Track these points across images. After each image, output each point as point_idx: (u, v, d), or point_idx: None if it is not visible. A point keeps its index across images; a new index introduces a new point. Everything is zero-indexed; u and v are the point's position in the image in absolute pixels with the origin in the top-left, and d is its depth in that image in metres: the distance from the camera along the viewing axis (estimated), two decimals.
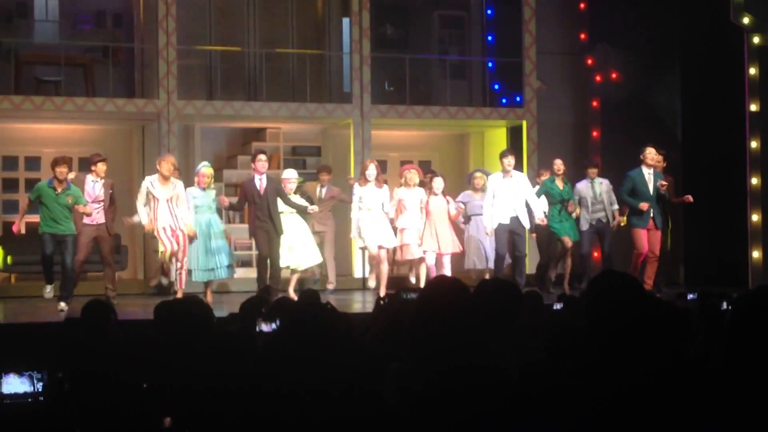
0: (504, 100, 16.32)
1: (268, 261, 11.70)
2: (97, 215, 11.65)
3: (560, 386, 3.07)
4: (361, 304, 11.82)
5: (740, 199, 13.91)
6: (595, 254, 13.82)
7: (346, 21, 15.99)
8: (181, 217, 11.25)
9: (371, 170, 12.12)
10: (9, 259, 13.87)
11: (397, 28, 17.05)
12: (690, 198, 12.58)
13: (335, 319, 3.77)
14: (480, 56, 16.85)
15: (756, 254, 13.74)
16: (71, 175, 11.50)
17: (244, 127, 16.09)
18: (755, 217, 13.80)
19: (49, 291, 11.17)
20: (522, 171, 14.03)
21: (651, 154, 12.23)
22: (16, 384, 4.30)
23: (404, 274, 13.37)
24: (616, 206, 13.00)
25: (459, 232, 13.11)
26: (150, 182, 11.28)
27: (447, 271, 12.16)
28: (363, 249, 12.72)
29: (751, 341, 3.24)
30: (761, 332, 3.26)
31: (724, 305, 6.15)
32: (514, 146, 15.66)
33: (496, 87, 16.60)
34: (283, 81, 16.10)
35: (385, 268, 12.14)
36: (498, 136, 16.31)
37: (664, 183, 12.32)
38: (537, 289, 9.81)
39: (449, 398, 3.26)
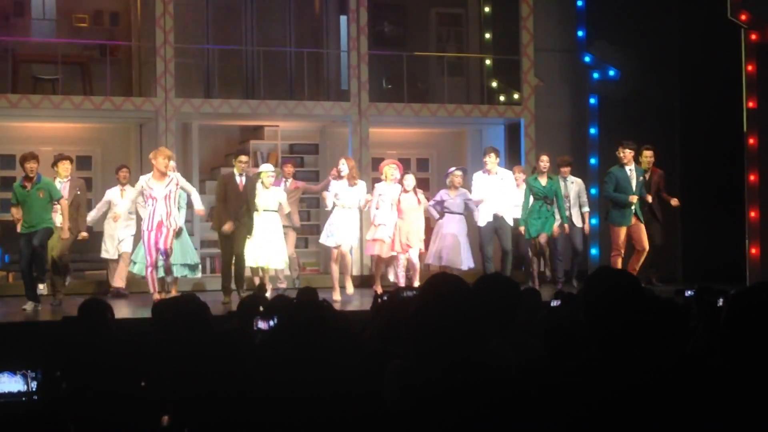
0: (502, 98, 16.31)
1: (233, 262, 11.66)
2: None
3: (558, 383, 3.07)
4: (358, 301, 11.80)
5: (738, 196, 13.91)
6: None
7: (343, 19, 15.98)
8: (175, 213, 11.19)
9: (342, 165, 12.00)
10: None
11: (395, 25, 17.05)
12: (676, 202, 12.76)
13: (332, 316, 3.77)
14: (477, 54, 16.85)
15: (754, 251, 13.74)
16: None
17: (241, 125, 16.08)
18: (753, 214, 13.80)
19: (28, 305, 10.95)
20: (520, 168, 14.03)
21: (623, 152, 12.26)
22: (9, 383, 4.28)
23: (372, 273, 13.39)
24: (586, 208, 13.06)
25: (428, 230, 13.11)
26: (145, 182, 11.21)
27: (416, 268, 12.12)
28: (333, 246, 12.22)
29: (748, 337, 3.23)
30: (758, 328, 3.26)
31: (722, 301, 6.14)
32: (512, 144, 15.68)
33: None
34: (281, 79, 16.09)
35: (344, 263, 12.11)
36: (496, 134, 16.31)
37: (649, 197, 12.53)
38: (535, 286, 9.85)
39: (448, 396, 3.25)
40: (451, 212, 12.61)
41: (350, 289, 12.13)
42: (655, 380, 2.99)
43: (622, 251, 12.25)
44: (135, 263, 12.42)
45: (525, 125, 15.60)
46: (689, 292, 7.28)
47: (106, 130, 15.60)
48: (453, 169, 13.02)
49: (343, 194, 11.89)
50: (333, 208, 12.04)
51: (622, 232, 12.26)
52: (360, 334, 5.22)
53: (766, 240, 13.69)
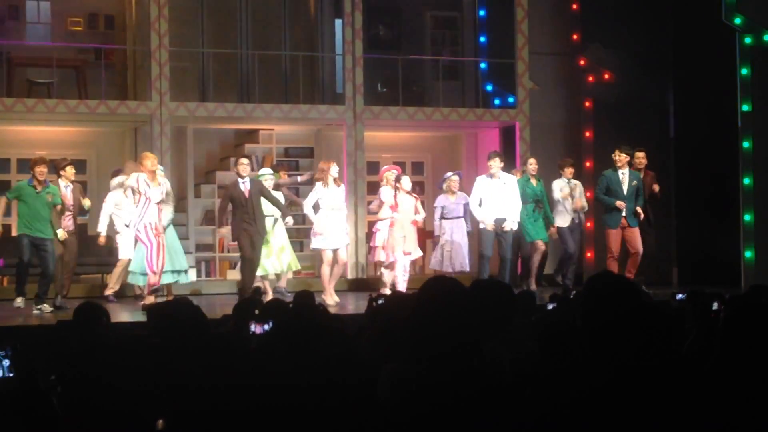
0: (497, 101, 16.33)
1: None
2: (68, 222, 11.71)
3: (550, 383, 3.07)
4: (353, 305, 11.78)
5: (733, 199, 13.94)
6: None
7: (338, 22, 15.99)
8: (161, 219, 11.07)
9: (334, 169, 11.93)
10: None
11: (390, 29, 17.05)
12: (656, 187, 12.70)
13: (327, 320, 3.77)
14: (473, 57, 16.86)
15: (748, 254, 13.77)
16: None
17: (236, 128, 16.08)
18: (747, 217, 13.82)
19: (20, 302, 10.95)
20: (514, 172, 14.03)
21: (618, 156, 12.29)
22: None
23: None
24: (585, 207, 13.11)
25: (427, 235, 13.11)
26: (143, 180, 11.04)
27: (405, 274, 12.02)
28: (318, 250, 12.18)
29: (745, 340, 3.24)
30: (755, 332, 3.27)
31: (716, 305, 6.16)
32: (507, 147, 15.68)
33: (489, 88, 16.61)
34: (276, 82, 16.09)
35: (337, 270, 11.97)
36: (491, 137, 16.32)
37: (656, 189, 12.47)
38: (530, 290, 9.86)
39: (444, 398, 3.26)
40: (452, 217, 12.64)
41: (333, 297, 11.83)
42: (645, 381, 2.99)
43: (617, 254, 12.30)
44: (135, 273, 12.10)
45: (520, 129, 15.61)
46: (680, 296, 7.29)
47: (100, 134, 15.59)
48: (449, 174, 13.04)
49: (332, 196, 11.84)
50: (318, 211, 11.96)
51: (615, 235, 12.31)
52: (355, 338, 5.23)
53: (761, 243, 13.72)
